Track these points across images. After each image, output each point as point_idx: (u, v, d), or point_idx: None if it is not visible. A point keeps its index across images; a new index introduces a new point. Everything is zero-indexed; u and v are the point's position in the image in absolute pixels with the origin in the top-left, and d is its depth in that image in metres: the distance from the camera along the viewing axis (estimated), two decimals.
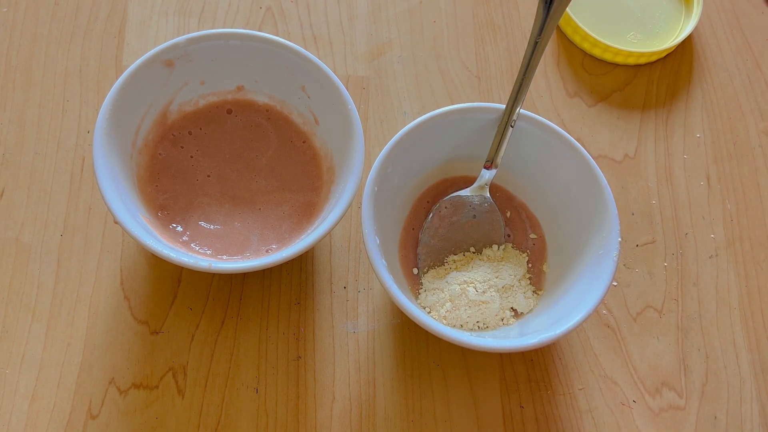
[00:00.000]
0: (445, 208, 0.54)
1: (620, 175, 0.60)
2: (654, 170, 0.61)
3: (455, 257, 0.54)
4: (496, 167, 0.53)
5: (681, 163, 0.61)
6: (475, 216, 0.54)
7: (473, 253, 0.54)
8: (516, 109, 0.52)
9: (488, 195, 0.54)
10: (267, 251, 0.51)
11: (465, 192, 0.54)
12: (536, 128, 0.53)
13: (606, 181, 0.51)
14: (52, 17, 0.62)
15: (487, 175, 0.53)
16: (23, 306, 0.52)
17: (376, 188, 0.49)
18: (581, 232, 0.52)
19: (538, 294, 0.53)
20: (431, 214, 0.54)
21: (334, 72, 0.54)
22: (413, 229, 0.55)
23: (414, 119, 0.53)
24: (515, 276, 0.53)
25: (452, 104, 0.62)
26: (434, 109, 0.53)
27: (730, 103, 0.65)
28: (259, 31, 0.55)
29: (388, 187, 0.51)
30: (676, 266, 0.58)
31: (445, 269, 0.53)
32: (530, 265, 0.54)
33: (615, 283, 0.57)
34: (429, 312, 0.51)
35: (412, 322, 0.53)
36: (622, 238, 0.58)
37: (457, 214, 0.54)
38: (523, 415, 0.51)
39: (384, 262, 0.48)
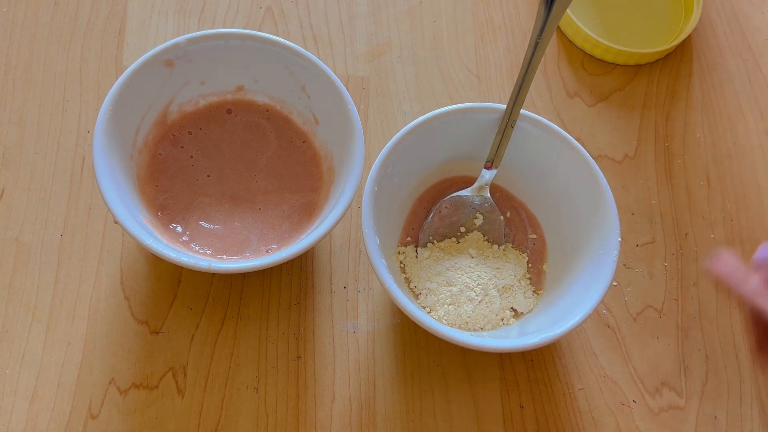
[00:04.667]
0: (446, 208, 0.54)
1: (620, 175, 0.60)
2: (654, 170, 0.61)
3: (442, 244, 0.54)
4: (496, 167, 0.53)
5: (681, 163, 0.61)
6: (475, 216, 0.54)
7: (472, 257, 0.54)
8: (516, 110, 0.51)
9: (488, 195, 0.54)
10: (267, 251, 0.51)
11: (465, 192, 0.54)
12: (536, 128, 0.53)
13: (606, 181, 0.51)
14: (52, 17, 0.62)
15: (487, 176, 0.53)
16: (23, 306, 0.52)
17: (376, 188, 0.49)
18: (581, 232, 0.52)
19: (538, 294, 0.53)
20: (431, 214, 0.54)
21: (334, 72, 0.54)
22: (413, 229, 0.55)
23: (414, 119, 0.52)
24: (515, 276, 0.53)
25: (452, 104, 0.62)
26: (434, 109, 0.53)
27: (730, 103, 0.64)
28: (259, 31, 0.55)
29: (388, 187, 0.51)
30: (676, 266, 0.57)
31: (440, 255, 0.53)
32: (530, 265, 0.54)
33: (615, 283, 0.57)
34: (429, 312, 0.51)
35: (412, 322, 0.53)
36: (622, 238, 0.58)
37: (457, 214, 0.54)
38: (523, 415, 0.51)
39: (384, 261, 0.48)
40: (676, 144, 0.62)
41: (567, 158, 0.53)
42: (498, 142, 0.52)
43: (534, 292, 0.53)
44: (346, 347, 0.53)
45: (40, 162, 0.56)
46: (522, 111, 0.52)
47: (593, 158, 0.52)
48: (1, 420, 0.48)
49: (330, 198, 0.51)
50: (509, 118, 0.52)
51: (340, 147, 0.52)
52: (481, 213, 0.54)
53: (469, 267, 0.52)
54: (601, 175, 0.51)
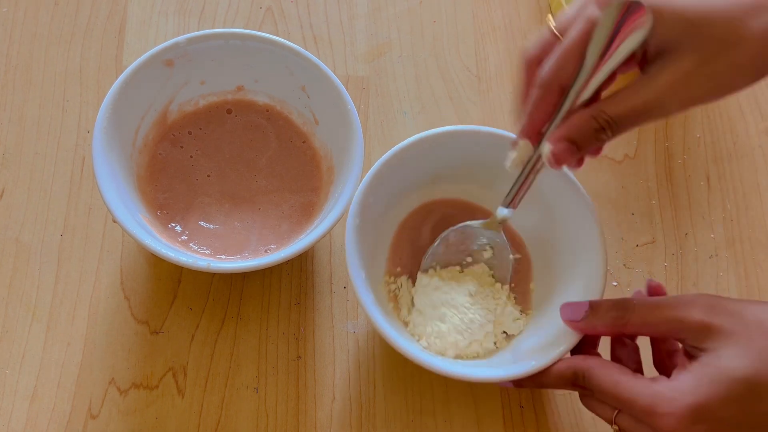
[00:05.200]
0: (453, 236, 0.52)
1: (620, 175, 0.60)
2: (654, 170, 0.61)
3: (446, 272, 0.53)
4: (514, 208, 0.49)
5: (681, 163, 0.61)
6: (484, 248, 0.53)
7: (471, 296, 0.52)
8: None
9: (502, 233, 0.51)
10: (266, 251, 0.51)
11: (476, 224, 0.52)
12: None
13: (589, 198, 0.50)
14: (52, 17, 0.62)
15: (503, 213, 0.49)
16: (23, 306, 0.52)
17: (357, 221, 0.48)
18: (567, 249, 0.51)
19: (527, 314, 0.52)
20: (438, 242, 0.52)
21: (334, 72, 0.54)
22: (399, 258, 0.53)
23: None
24: (500, 299, 0.52)
25: (452, 104, 0.62)
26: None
27: (730, 103, 0.64)
28: (259, 31, 0.55)
29: (370, 218, 0.50)
30: (676, 266, 0.57)
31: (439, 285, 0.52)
32: (513, 285, 0.53)
33: (615, 283, 0.56)
34: (418, 339, 0.50)
35: None
36: (622, 239, 0.58)
37: (465, 243, 0.52)
38: (523, 415, 0.51)
39: (371, 295, 0.47)
40: (676, 144, 0.62)
41: (548, 175, 0.49)
42: (520, 184, 0.47)
43: (522, 311, 0.52)
44: (346, 347, 0.53)
45: (40, 162, 0.56)
46: (501, 131, 0.51)
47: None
48: (1, 420, 0.48)
49: (329, 198, 0.51)
50: (534, 165, 0.46)
51: (340, 147, 0.52)
52: (491, 247, 0.52)
53: (464, 307, 0.51)
54: (584, 191, 0.50)
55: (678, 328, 0.40)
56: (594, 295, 0.48)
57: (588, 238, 0.50)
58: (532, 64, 0.43)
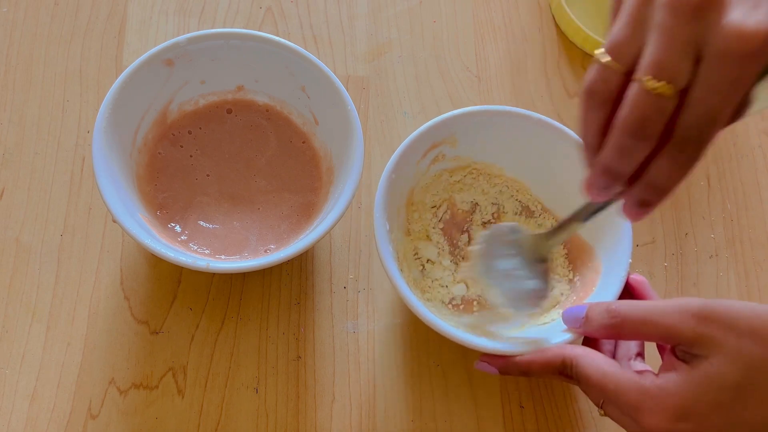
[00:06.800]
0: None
1: None
2: None
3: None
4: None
5: None
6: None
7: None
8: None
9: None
10: (265, 251, 0.51)
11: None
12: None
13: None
14: (52, 17, 0.62)
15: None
16: (23, 306, 0.52)
17: (393, 176, 0.49)
18: (594, 245, 0.52)
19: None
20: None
21: (334, 72, 0.54)
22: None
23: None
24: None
25: (452, 104, 0.62)
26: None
27: None
28: (259, 31, 0.55)
29: (403, 176, 0.51)
30: (676, 266, 0.57)
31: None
32: (572, 276, 0.53)
33: None
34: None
35: (412, 322, 0.53)
36: None
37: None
38: (523, 415, 0.51)
39: (390, 249, 0.47)
40: None
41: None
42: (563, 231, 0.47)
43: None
44: (346, 347, 0.53)
45: (40, 162, 0.56)
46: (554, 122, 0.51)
47: None
48: (1, 420, 0.48)
49: (329, 198, 0.51)
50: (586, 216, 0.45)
51: (340, 147, 0.52)
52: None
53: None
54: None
55: (670, 339, 0.40)
56: (609, 296, 0.47)
57: (615, 242, 0.50)
58: (595, 99, 0.37)
